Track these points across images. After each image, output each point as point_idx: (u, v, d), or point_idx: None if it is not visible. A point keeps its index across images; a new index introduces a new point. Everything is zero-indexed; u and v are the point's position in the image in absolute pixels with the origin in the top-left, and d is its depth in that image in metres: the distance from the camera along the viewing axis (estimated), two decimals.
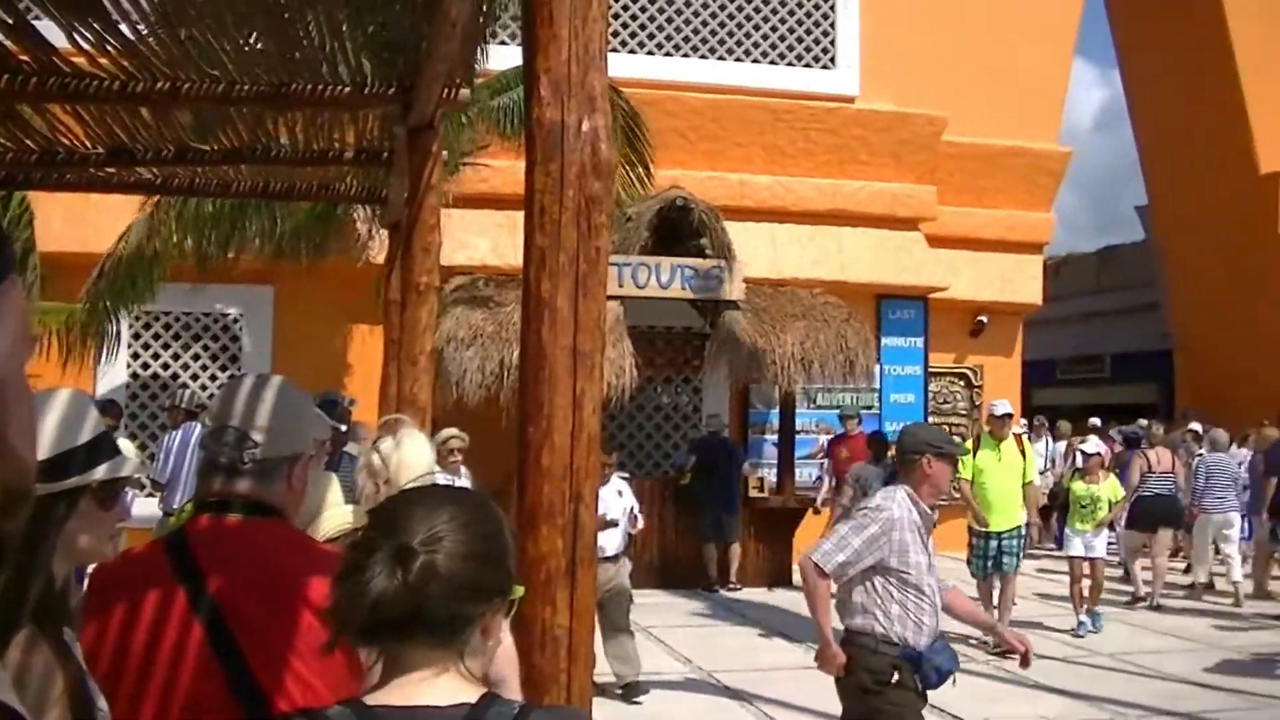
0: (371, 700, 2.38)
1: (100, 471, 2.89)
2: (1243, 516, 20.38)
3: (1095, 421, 27.43)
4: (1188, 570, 21.42)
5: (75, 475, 2.76)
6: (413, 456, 5.15)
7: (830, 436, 22.26)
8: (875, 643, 7.31)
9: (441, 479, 12.15)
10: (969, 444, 16.45)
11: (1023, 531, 16.68)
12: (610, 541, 12.37)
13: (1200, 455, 21.05)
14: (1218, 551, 20.44)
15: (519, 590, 2.59)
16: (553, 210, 3.08)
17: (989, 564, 16.26)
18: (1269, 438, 20.42)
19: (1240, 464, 21.33)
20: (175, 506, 13.87)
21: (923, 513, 7.54)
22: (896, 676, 7.25)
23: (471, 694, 2.39)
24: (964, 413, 26.71)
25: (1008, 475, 16.28)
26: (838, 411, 22.31)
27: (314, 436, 3.71)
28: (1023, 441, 17.21)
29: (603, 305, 3.15)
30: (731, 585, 19.91)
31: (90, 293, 17.22)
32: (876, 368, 22.52)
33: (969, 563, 16.60)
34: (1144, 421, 26.25)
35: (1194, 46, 31.20)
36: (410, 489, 2.70)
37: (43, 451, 2.55)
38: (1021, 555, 16.54)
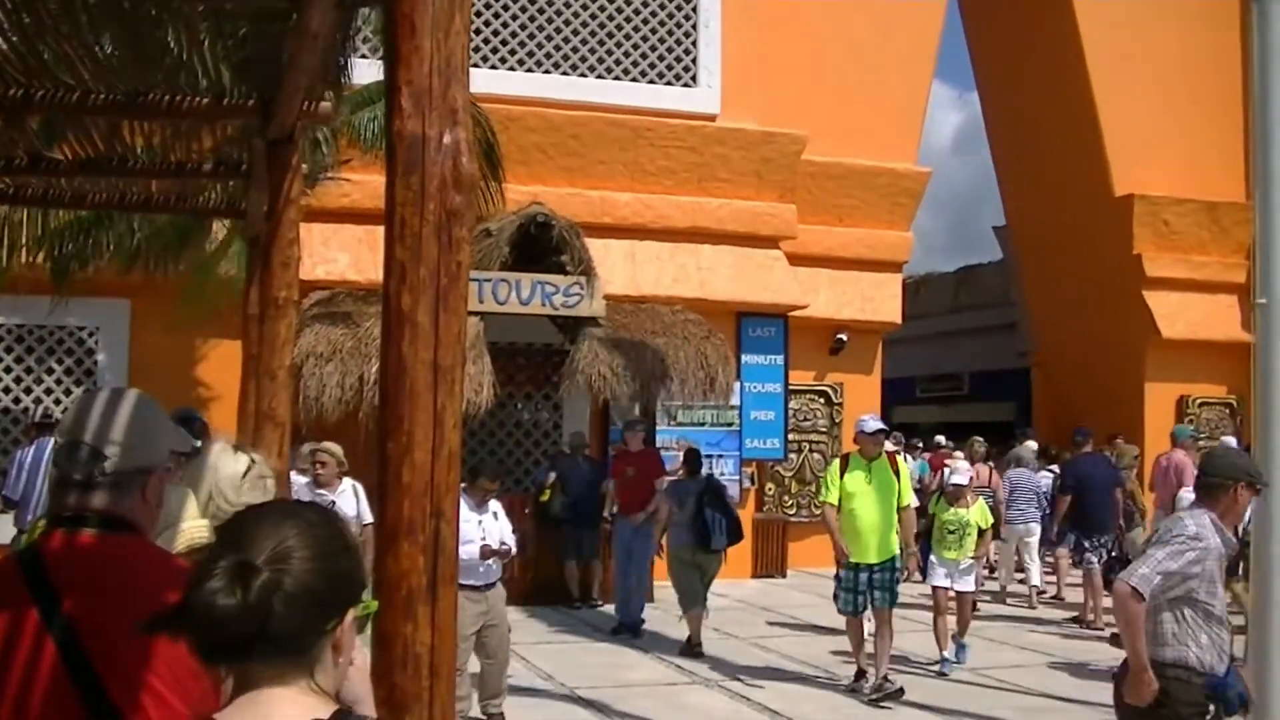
0: (218, 717, 2.34)
1: None
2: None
3: (940, 439, 27.72)
4: (992, 574, 22.60)
5: None
6: (217, 463, 5.10)
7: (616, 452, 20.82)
8: (1189, 674, 7.17)
9: (304, 492, 12.08)
10: (834, 465, 15.06)
11: (898, 563, 14.56)
12: (493, 569, 12.23)
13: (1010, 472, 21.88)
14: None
15: (372, 604, 2.56)
16: (413, 223, 3.06)
17: (859, 599, 14.34)
18: (1128, 451, 20.88)
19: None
20: (27, 524, 13.65)
21: (1226, 541, 7.32)
22: (1212, 709, 7.16)
23: (323, 710, 2.36)
24: (824, 430, 26.92)
25: (880, 499, 14.37)
26: (619, 425, 21.69)
27: (170, 450, 3.66)
28: (896, 460, 15.32)
29: (464, 320, 3.13)
30: (593, 602, 19.91)
31: None
32: (737, 385, 22.61)
33: (835, 597, 14.70)
34: (941, 438, 26.99)
35: (1050, 69, 31.64)
36: (260, 504, 2.67)
37: None
38: (897, 590, 14.58)
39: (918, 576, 16.71)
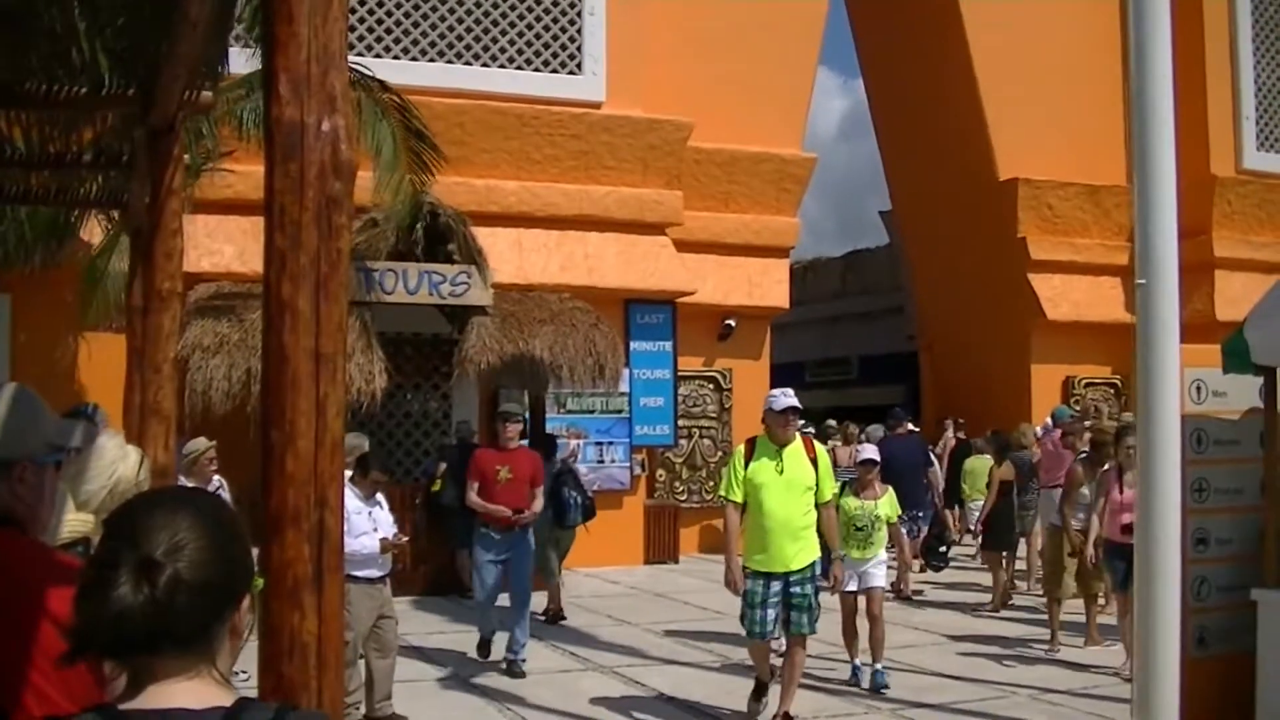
0: (124, 707, 2.32)
1: None
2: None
3: (832, 423, 27.54)
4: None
5: None
6: (112, 457, 5.05)
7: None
8: None
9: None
10: (738, 454, 12.31)
11: (817, 571, 12.04)
12: (381, 562, 12.12)
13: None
14: None
15: (258, 582, 2.55)
16: (292, 211, 3.04)
17: (768, 617, 11.76)
18: (1028, 431, 21.15)
19: None
20: None
21: None
22: None
23: (226, 697, 2.35)
24: (714, 416, 27.01)
25: (794, 494, 11.83)
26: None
27: (47, 442, 3.61)
28: (814, 446, 12.69)
29: (344, 307, 3.12)
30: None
31: None
32: (625, 372, 22.60)
33: (741, 618, 12.04)
34: (832, 422, 27.01)
35: (934, 55, 31.87)
36: (143, 494, 2.64)
37: None
38: (818, 607, 11.95)
39: (852, 585, 13.91)
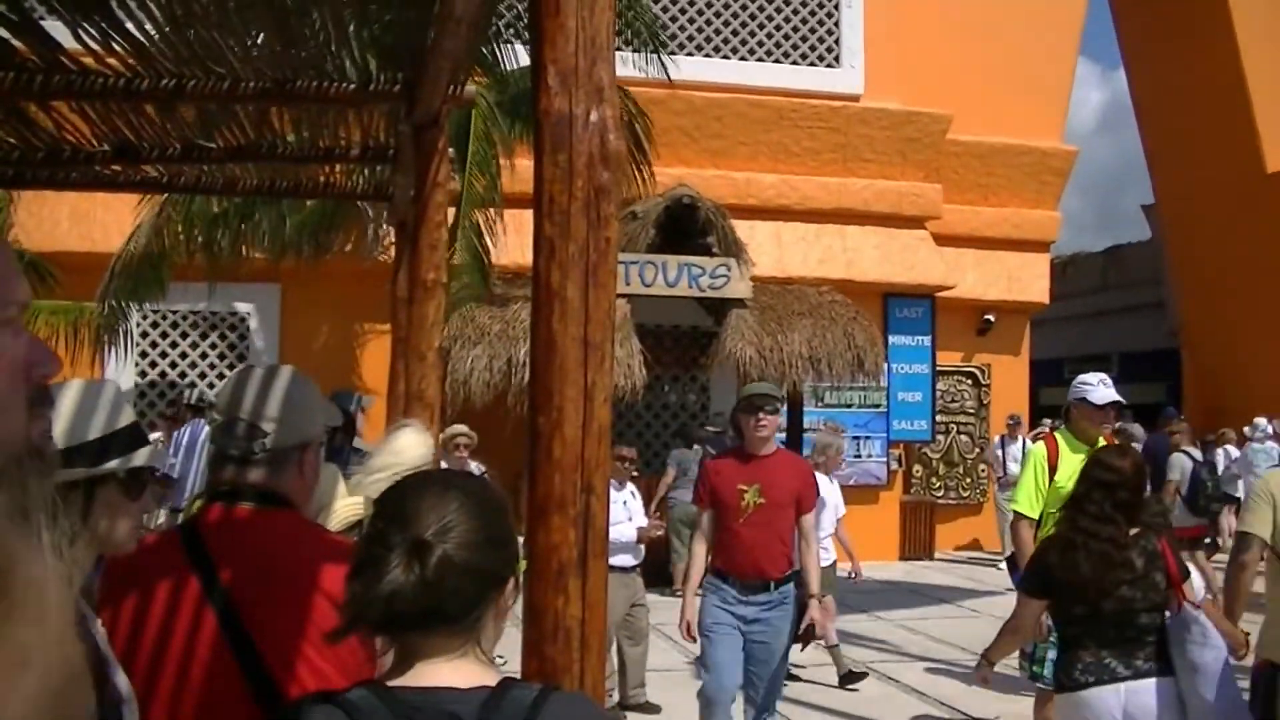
0: (392, 683, 2.38)
1: (115, 462, 2.89)
2: None
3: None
4: None
5: (84, 466, 2.75)
6: (404, 444, 5.16)
7: None
8: None
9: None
10: (1036, 456, 9.99)
11: None
12: (635, 550, 12.22)
13: None
14: None
15: (521, 564, 2.59)
16: (561, 200, 3.08)
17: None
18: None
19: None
20: (182, 503, 13.89)
21: None
22: None
23: (491, 677, 2.41)
24: (972, 411, 26.73)
25: None
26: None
27: (324, 424, 3.72)
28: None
29: (612, 296, 3.15)
30: None
31: (103, 292, 17.25)
32: (884, 366, 22.47)
33: (1029, 658, 10.42)
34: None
35: (1200, 44, 31.19)
36: (412, 476, 2.70)
37: (57, 441, 2.55)
38: None
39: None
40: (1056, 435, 10.15)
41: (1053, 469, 9.74)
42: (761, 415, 9.29)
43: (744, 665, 9.30)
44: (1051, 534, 7.57)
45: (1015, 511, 10.08)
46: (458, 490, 2.46)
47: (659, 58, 17.89)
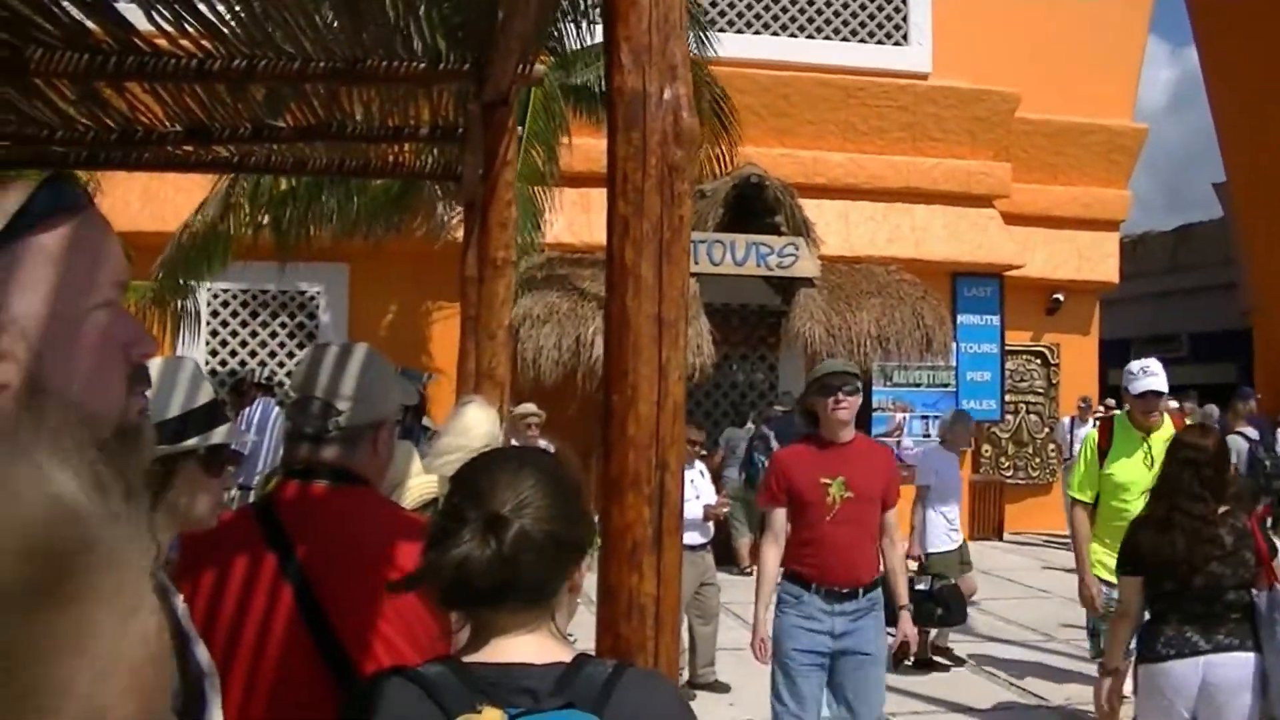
0: (468, 659, 2.39)
1: (194, 439, 2.91)
2: None
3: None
4: None
5: (164, 443, 2.77)
6: (470, 421, 5.19)
7: None
8: None
9: None
10: (1089, 441, 10.09)
11: None
12: (704, 529, 12.24)
13: None
14: None
15: (595, 542, 2.60)
16: (635, 178, 3.07)
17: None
18: None
19: None
20: (254, 480, 13.96)
21: None
22: None
23: (565, 653, 2.43)
24: (1041, 391, 26.58)
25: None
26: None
27: (399, 403, 3.74)
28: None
29: (686, 274, 3.14)
30: None
31: (163, 267, 17.38)
32: (953, 345, 22.37)
33: (1093, 634, 10.70)
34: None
35: (1272, 19, 30.85)
36: (487, 453, 2.71)
37: None
38: None
39: None
40: (1115, 419, 10.05)
41: (1102, 454, 9.74)
42: (840, 396, 8.11)
43: (839, 688, 8.10)
44: (1143, 513, 7.61)
45: (1068, 495, 10.18)
46: (532, 467, 2.48)
47: (703, 35, 17.71)
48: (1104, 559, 9.54)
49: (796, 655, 7.99)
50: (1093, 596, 9.78)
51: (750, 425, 19.59)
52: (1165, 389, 9.57)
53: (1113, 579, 9.03)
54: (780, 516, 8.31)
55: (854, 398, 8.17)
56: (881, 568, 8.33)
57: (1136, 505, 8.84)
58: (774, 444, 19.00)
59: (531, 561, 2.36)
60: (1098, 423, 10.93)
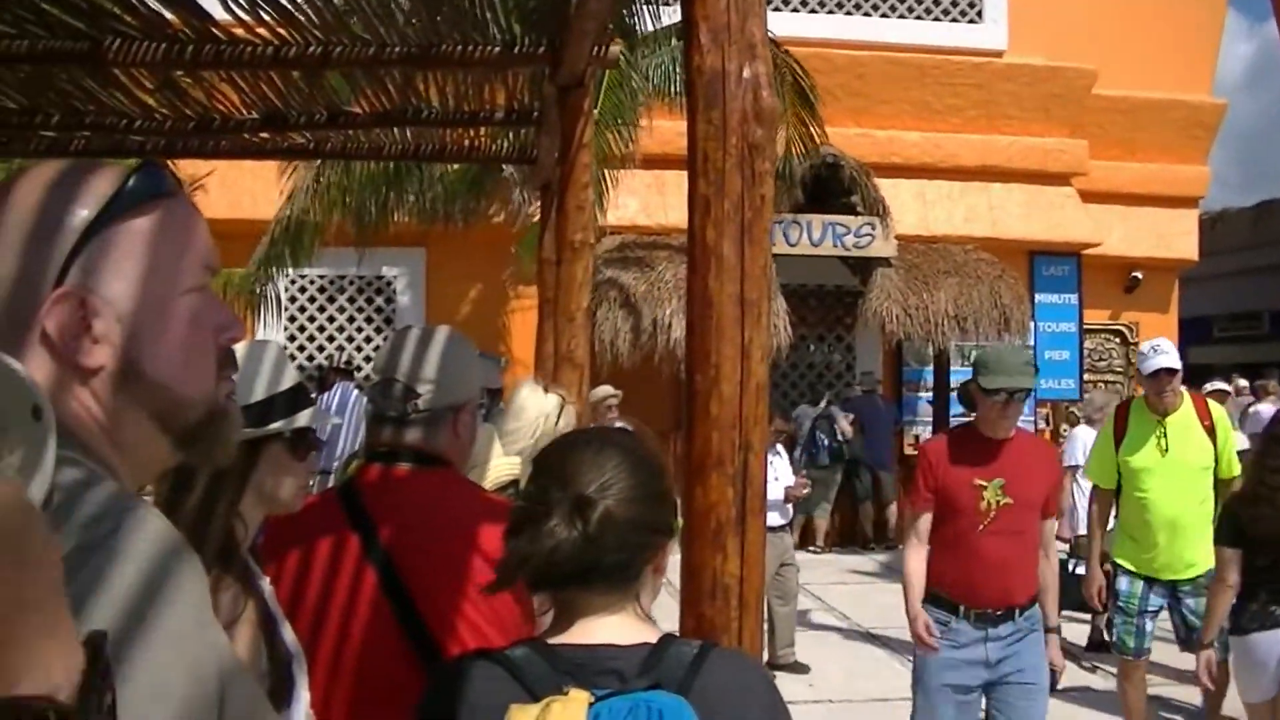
0: (553, 641, 2.40)
1: (279, 423, 2.93)
2: None
3: (1242, 382, 25.97)
4: None
5: (250, 426, 2.79)
6: (520, 404, 5.21)
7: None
8: None
9: None
10: (1107, 425, 9.93)
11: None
12: (783, 510, 12.29)
13: None
14: None
15: (677, 522, 2.60)
16: (715, 158, 3.06)
17: (1144, 633, 9.27)
18: None
19: None
20: (334, 465, 14.05)
21: None
22: None
23: (650, 634, 2.42)
24: (1120, 370, 26.39)
25: (1183, 478, 9.10)
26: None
27: (480, 385, 3.75)
28: (1209, 408, 9.51)
29: (768, 254, 3.12)
30: (888, 543, 19.82)
31: (261, 258, 17.58)
32: (1030, 324, 22.24)
33: (1109, 625, 10.41)
34: (1242, 380, 25.17)
35: None
36: (570, 434, 2.72)
37: None
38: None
39: None
40: (1131, 403, 9.78)
41: (1118, 440, 9.43)
42: (1013, 401, 6.99)
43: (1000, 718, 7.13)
44: (1239, 490, 7.67)
45: (1089, 479, 10.08)
46: (615, 447, 2.47)
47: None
48: (1128, 549, 9.39)
49: (944, 693, 7.09)
50: (1093, 595, 9.65)
51: (824, 405, 19.56)
52: (1178, 366, 9.17)
53: (1133, 568, 9.23)
54: (927, 522, 7.28)
55: (1022, 405, 7.14)
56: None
57: (1155, 493, 9.06)
58: (840, 424, 19.03)
59: (617, 542, 2.36)
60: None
